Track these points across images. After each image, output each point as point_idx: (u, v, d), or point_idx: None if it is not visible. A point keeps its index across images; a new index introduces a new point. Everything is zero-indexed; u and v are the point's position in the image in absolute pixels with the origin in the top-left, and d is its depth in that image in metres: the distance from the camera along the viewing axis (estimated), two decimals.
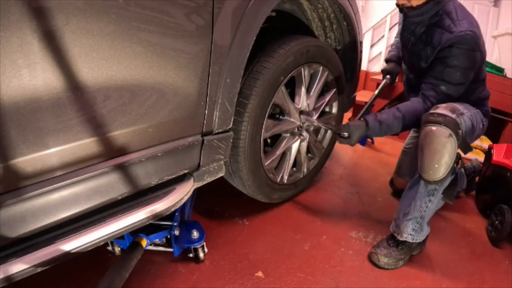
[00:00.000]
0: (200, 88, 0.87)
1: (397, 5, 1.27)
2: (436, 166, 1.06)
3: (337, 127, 1.20)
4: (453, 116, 1.08)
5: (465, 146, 1.14)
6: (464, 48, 1.12)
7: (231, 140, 1.06)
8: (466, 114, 1.17)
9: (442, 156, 1.05)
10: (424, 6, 1.15)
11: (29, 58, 0.57)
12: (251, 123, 1.12)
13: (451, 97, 1.19)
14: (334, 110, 1.64)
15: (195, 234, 1.10)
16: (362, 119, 1.23)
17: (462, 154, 1.17)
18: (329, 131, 1.67)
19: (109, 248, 1.11)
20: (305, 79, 1.33)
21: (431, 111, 1.12)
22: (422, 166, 1.10)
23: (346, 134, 1.20)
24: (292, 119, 1.35)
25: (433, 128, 1.06)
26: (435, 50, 1.16)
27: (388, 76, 1.51)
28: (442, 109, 1.11)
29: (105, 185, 0.76)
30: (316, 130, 1.66)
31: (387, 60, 1.65)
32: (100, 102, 0.69)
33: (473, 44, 1.13)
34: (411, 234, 1.22)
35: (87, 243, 0.74)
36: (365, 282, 1.16)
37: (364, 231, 1.42)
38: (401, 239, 1.23)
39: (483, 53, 1.20)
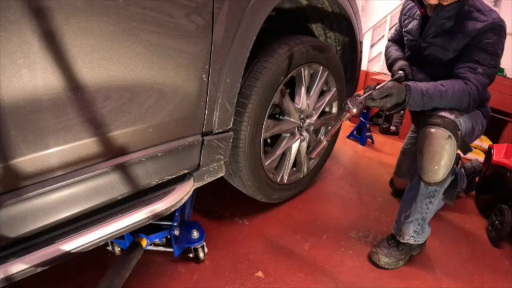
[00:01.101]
0: (200, 88, 0.87)
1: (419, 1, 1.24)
2: (436, 167, 1.06)
3: (373, 93, 1.05)
4: (452, 117, 1.08)
5: (465, 146, 1.13)
6: (499, 34, 1.11)
7: (231, 140, 1.06)
8: (466, 115, 1.17)
9: (442, 158, 1.05)
10: (455, 3, 1.14)
11: (29, 58, 0.56)
12: (251, 123, 1.12)
13: (488, 80, 1.14)
14: (334, 110, 1.64)
15: (195, 234, 1.10)
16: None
17: (462, 155, 1.16)
18: (337, 126, 1.66)
19: (109, 248, 1.11)
20: (305, 79, 1.33)
21: (430, 113, 1.11)
22: (421, 168, 1.10)
23: (384, 95, 1.05)
24: (292, 119, 1.35)
25: (432, 130, 1.06)
26: (469, 36, 1.14)
27: (401, 72, 1.36)
28: (441, 111, 1.11)
29: (105, 185, 0.76)
30: (316, 130, 1.66)
31: (393, 61, 1.44)
32: (100, 102, 0.69)
33: (504, 32, 1.13)
34: (413, 236, 1.22)
35: (87, 243, 0.74)
36: (365, 282, 1.16)
37: (364, 231, 1.42)
38: (403, 241, 1.23)
39: None
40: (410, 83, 1.10)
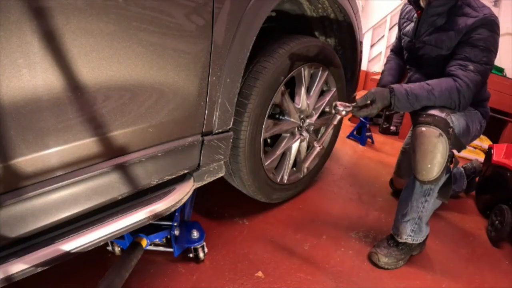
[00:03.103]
0: (200, 88, 0.87)
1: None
2: (429, 166, 1.06)
3: (357, 99, 1.09)
4: (442, 115, 1.08)
5: (459, 144, 1.13)
6: (490, 29, 1.10)
7: (231, 140, 1.05)
8: (459, 113, 1.16)
9: (434, 156, 1.05)
10: None
11: (29, 58, 0.56)
12: (251, 123, 1.12)
13: (480, 77, 1.12)
14: None
15: (195, 234, 1.10)
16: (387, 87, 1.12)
17: (457, 153, 1.16)
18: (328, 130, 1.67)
19: (109, 248, 1.11)
20: (305, 79, 1.33)
21: (421, 112, 1.12)
22: (415, 167, 1.10)
23: (368, 101, 1.09)
24: (292, 119, 1.35)
25: (423, 129, 1.06)
26: (461, 33, 1.13)
27: None
28: (432, 109, 1.11)
29: (105, 185, 0.76)
30: (316, 130, 1.66)
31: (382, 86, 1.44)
32: (100, 102, 0.69)
33: (497, 27, 1.12)
34: (410, 235, 1.22)
35: (87, 243, 0.74)
36: (365, 282, 1.16)
37: (364, 231, 1.42)
38: (401, 240, 1.23)
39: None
40: (394, 85, 1.11)
